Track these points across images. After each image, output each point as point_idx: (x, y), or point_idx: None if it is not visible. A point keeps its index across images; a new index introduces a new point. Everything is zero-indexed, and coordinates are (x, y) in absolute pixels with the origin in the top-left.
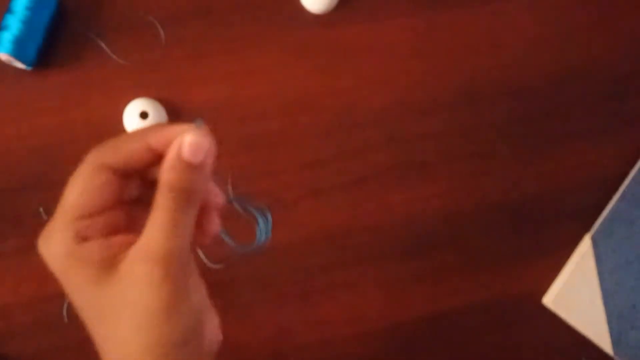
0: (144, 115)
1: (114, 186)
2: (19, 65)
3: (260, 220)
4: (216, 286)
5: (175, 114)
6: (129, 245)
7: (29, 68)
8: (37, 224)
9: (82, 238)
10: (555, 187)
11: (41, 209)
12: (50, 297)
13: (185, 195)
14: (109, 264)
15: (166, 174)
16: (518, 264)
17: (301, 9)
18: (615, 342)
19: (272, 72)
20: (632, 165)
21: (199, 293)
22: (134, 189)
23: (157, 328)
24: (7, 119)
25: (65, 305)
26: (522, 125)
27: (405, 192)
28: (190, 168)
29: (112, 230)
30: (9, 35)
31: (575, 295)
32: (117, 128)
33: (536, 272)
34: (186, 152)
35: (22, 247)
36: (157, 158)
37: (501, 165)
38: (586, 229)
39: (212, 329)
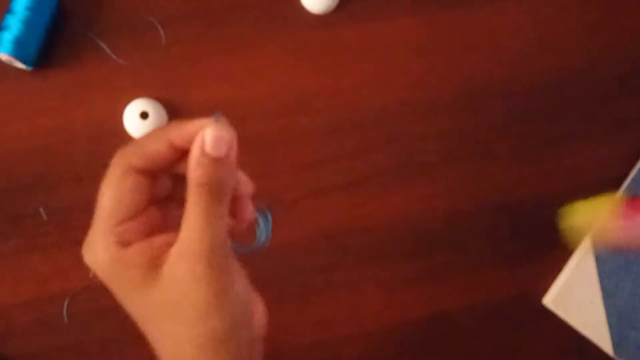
0: (144, 115)
1: (144, 187)
2: (19, 65)
3: (261, 220)
4: None
5: (176, 114)
6: (169, 244)
7: (29, 68)
8: (37, 224)
9: (125, 243)
10: (555, 188)
11: (41, 209)
12: (50, 297)
13: (215, 189)
14: (154, 266)
15: (193, 171)
16: (518, 264)
17: (301, 9)
18: (615, 342)
19: (272, 72)
20: (631, 166)
21: (243, 282)
22: (165, 187)
23: (207, 323)
24: (7, 119)
25: (65, 306)
26: (522, 126)
27: (405, 192)
28: (216, 162)
29: (151, 232)
30: (9, 36)
31: (575, 295)
32: (117, 128)
33: (536, 273)
34: (209, 146)
35: (22, 247)
36: (182, 154)
37: (501, 166)
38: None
39: (259, 313)
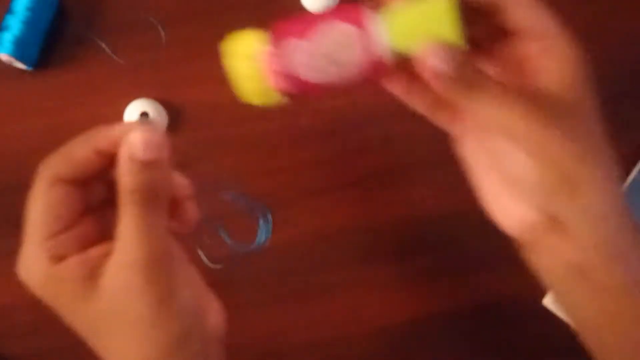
0: (144, 115)
1: (74, 197)
2: (20, 65)
3: (261, 220)
4: (213, 286)
5: (176, 115)
6: (107, 255)
7: (30, 68)
8: None
9: (58, 257)
10: None
11: None
12: None
13: (148, 195)
14: (91, 278)
15: (123, 178)
16: (518, 264)
17: (302, 9)
18: None
19: None
20: (630, 168)
21: (191, 287)
22: (98, 193)
23: (151, 335)
24: (7, 119)
25: None
26: None
27: (404, 193)
28: (146, 166)
29: (87, 243)
30: (9, 36)
31: None
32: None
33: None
34: (137, 151)
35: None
36: (112, 160)
37: None
38: None
39: (214, 315)
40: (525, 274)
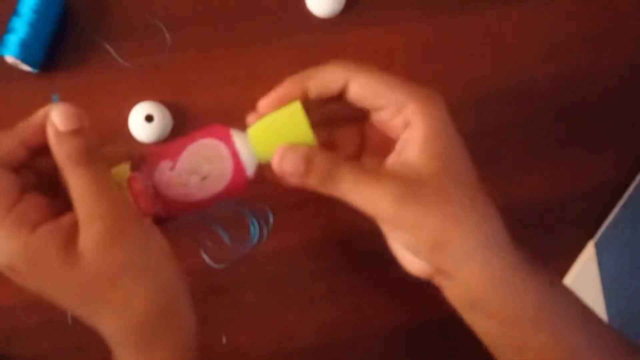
0: (149, 118)
1: (11, 177)
2: (25, 67)
3: (253, 221)
4: (220, 288)
5: (181, 117)
6: (76, 223)
7: (35, 71)
8: None
9: (31, 226)
10: (559, 193)
11: None
12: None
13: (84, 155)
14: (69, 243)
15: (58, 149)
16: None
17: (307, 13)
18: None
19: (278, 76)
20: (636, 171)
21: (156, 237)
22: (34, 179)
23: (135, 287)
24: (13, 121)
25: None
26: (527, 130)
27: None
28: (72, 134)
29: (51, 213)
30: (15, 38)
31: None
32: (122, 131)
33: None
34: (61, 123)
35: None
36: (39, 148)
37: (504, 170)
38: (589, 235)
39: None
40: None
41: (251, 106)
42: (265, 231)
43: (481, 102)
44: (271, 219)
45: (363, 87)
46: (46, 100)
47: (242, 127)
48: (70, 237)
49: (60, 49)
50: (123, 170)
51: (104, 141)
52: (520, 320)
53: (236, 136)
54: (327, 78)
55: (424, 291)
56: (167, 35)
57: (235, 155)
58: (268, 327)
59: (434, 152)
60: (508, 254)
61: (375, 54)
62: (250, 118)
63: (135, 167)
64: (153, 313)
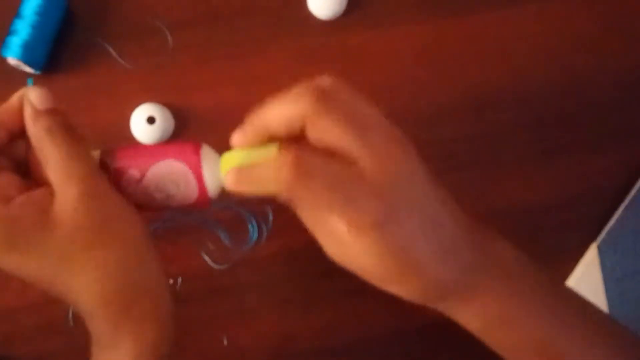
0: (151, 120)
1: None
2: (28, 69)
3: (252, 221)
4: (221, 290)
5: (182, 119)
6: (49, 194)
7: (37, 72)
8: None
9: (4, 198)
10: (562, 196)
11: None
12: (56, 300)
13: (61, 128)
14: (43, 212)
15: (35, 123)
16: None
17: (308, 15)
18: None
19: (279, 77)
20: (638, 174)
21: (134, 216)
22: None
23: (111, 247)
24: None
25: (70, 309)
26: (529, 133)
27: None
28: (49, 112)
29: (22, 188)
30: (18, 40)
31: None
32: (124, 133)
33: None
34: (38, 103)
35: None
36: (10, 136)
37: (506, 173)
38: (592, 237)
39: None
40: None
41: (252, 107)
42: (264, 232)
43: (482, 105)
44: (270, 221)
45: (320, 133)
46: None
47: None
48: (45, 205)
49: (62, 50)
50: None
51: (106, 143)
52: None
53: (205, 162)
54: (284, 120)
55: None
56: (169, 37)
57: (201, 184)
58: (269, 329)
59: (391, 189)
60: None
61: (376, 56)
62: (234, 138)
63: (101, 163)
64: (126, 282)
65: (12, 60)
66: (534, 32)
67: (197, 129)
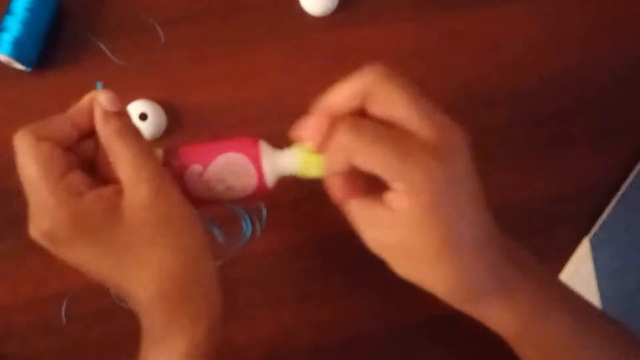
0: (143, 117)
1: (59, 152)
2: (19, 66)
3: (246, 217)
4: None
5: (175, 116)
6: (117, 192)
7: (29, 69)
8: None
9: (77, 194)
10: (554, 191)
11: None
12: (49, 298)
13: (130, 129)
14: (112, 207)
15: (106, 125)
16: None
17: (301, 12)
18: None
19: (272, 74)
20: (630, 169)
21: (194, 215)
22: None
23: (176, 240)
24: (6, 120)
25: (63, 307)
26: (522, 130)
27: None
28: (120, 114)
29: (92, 185)
30: (8, 37)
31: None
32: None
33: None
34: (109, 106)
35: (20, 248)
36: (81, 134)
37: (500, 170)
38: (585, 232)
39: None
40: None
41: (245, 104)
42: (258, 228)
43: (475, 102)
44: (264, 217)
45: (381, 104)
46: (40, 98)
47: (235, 124)
48: (113, 202)
49: (53, 47)
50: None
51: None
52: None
53: (264, 155)
54: (347, 97)
55: (420, 290)
56: (161, 34)
57: (260, 174)
58: (262, 326)
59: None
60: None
61: (369, 53)
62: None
63: (164, 161)
64: (184, 279)
65: (3, 58)
66: (527, 28)
67: (190, 125)
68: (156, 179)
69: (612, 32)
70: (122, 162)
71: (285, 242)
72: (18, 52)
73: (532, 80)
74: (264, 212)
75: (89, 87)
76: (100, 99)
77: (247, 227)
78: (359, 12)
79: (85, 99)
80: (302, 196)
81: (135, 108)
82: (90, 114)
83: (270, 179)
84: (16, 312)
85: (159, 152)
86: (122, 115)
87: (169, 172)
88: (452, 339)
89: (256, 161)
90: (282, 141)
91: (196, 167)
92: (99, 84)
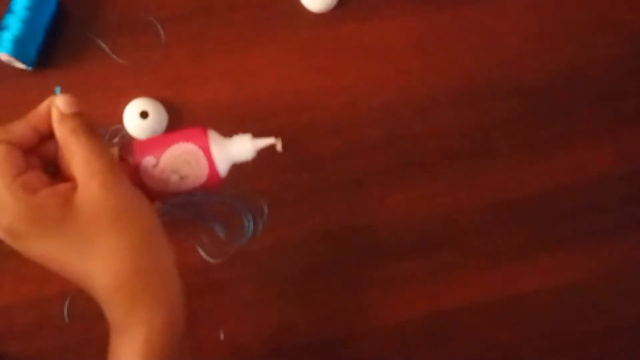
0: (144, 114)
1: (18, 153)
2: (19, 65)
3: (248, 214)
4: (217, 285)
5: (176, 113)
6: (72, 188)
7: (29, 68)
8: None
9: (32, 190)
10: (555, 186)
11: None
12: (51, 297)
13: (85, 128)
14: (67, 202)
15: (62, 125)
16: (518, 263)
17: (301, 8)
18: None
19: (272, 71)
20: (633, 162)
21: (147, 206)
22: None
23: (129, 228)
24: (7, 119)
25: (65, 306)
26: (523, 124)
27: (405, 191)
28: (74, 115)
29: (48, 183)
30: (9, 35)
31: None
32: (117, 128)
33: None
34: (64, 108)
35: None
36: (41, 139)
37: (502, 164)
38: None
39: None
40: (526, 273)
41: (245, 101)
42: (260, 225)
43: (477, 96)
44: (266, 214)
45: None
46: (40, 97)
47: (236, 121)
48: (67, 197)
49: (54, 46)
50: (112, 152)
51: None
52: None
53: (214, 144)
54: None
55: (421, 286)
56: (162, 32)
57: (211, 161)
58: (265, 322)
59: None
60: None
61: (369, 49)
62: None
63: (120, 157)
64: (139, 268)
65: (3, 56)
66: (527, 23)
67: (191, 122)
68: (106, 174)
69: (613, 25)
70: (76, 159)
71: (287, 239)
72: (18, 50)
73: (533, 74)
74: (266, 209)
75: (89, 85)
76: (57, 102)
77: (248, 225)
78: (358, 8)
79: (44, 103)
80: (304, 193)
81: (136, 106)
82: (49, 117)
83: (222, 167)
84: (18, 311)
85: (115, 149)
86: (79, 116)
87: (125, 167)
88: (453, 335)
89: (206, 150)
90: (283, 136)
91: (150, 159)
92: (58, 89)
